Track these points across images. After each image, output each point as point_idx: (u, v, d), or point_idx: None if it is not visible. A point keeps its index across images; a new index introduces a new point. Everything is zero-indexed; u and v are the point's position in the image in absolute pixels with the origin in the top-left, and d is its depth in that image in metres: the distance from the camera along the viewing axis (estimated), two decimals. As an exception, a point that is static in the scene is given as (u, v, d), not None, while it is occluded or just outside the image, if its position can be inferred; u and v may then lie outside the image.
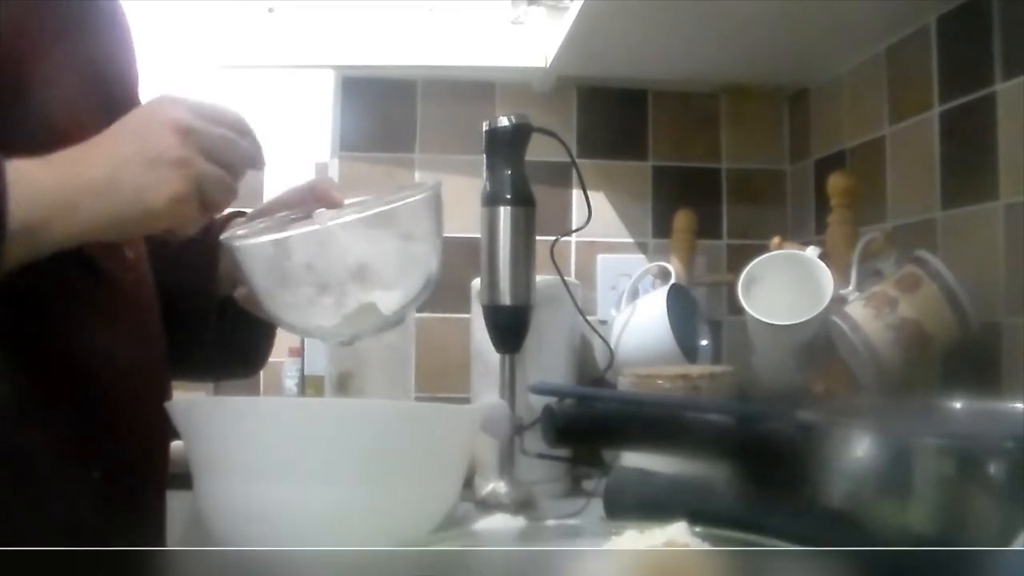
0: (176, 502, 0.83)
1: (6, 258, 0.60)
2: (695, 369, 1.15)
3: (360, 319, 0.73)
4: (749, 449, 0.78)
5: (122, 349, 0.74)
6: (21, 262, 0.62)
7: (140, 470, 0.77)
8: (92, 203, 0.64)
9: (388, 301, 0.75)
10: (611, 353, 1.27)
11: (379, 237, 0.73)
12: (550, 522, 0.78)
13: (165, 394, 0.80)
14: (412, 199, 0.74)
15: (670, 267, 1.40)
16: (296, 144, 1.83)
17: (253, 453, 0.66)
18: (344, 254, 0.72)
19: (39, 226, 0.61)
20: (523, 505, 1.04)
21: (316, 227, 0.73)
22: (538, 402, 1.11)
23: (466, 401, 1.27)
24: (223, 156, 0.69)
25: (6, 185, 0.59)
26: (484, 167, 1.10)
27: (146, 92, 0.81)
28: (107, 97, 0.75)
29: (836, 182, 1.18)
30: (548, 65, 1.47)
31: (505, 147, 1.09)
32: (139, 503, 0.77)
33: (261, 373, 1.72)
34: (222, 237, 0.75)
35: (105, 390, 0.72)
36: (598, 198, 1.54)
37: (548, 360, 1.19)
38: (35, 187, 0.62)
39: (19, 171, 0.61)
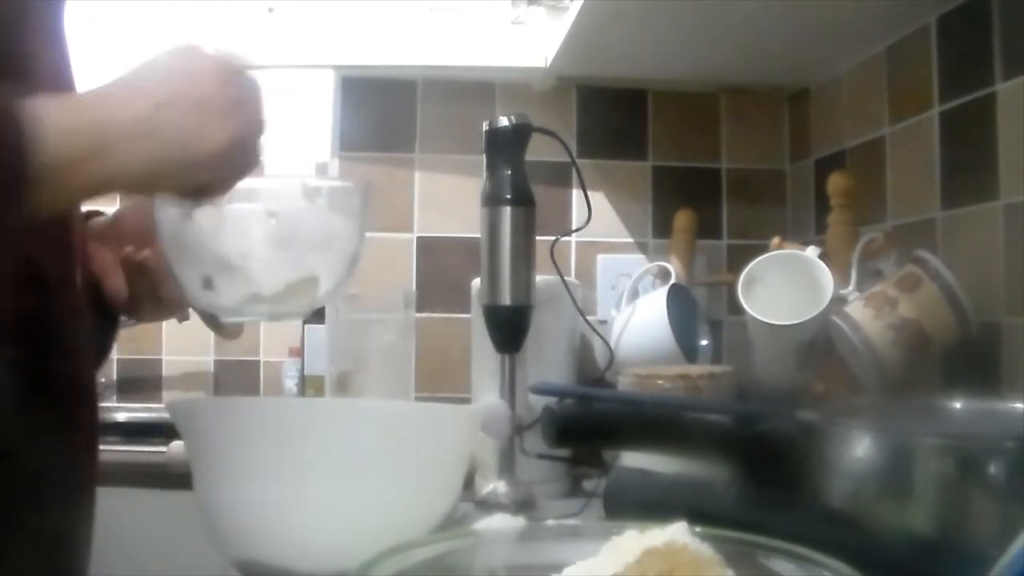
0: (176, 502, 0.83)
1: (34, 201, 0.54)
2: (695, 369, 1.15)
3: (301, 291, 0.69)
4: (749, 449, 0.78)
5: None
6: (51, 210, 0.57)
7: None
8: (127, 147, 0.57)
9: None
10: (611, 353, 1.27)
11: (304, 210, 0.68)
12: (550, 522, 0.78)
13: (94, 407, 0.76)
14: (338, 184, 0.70)
15: (670, 267, 1.40)
16: (296, 144, 1.83)
17: (253, 453, 0.66)
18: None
19: (67, 168, 0.55)
20: (523, 505, 1.04)
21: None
22: (538, 402, 1.12)
23: (466, 401, 1.27)
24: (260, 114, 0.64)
25: (32, 121, 0.54)
26: (484, 167, 1.10)
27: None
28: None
29: (836, 182, 1.18)
30: (548, 65, 1.47)
31: (505, 147, 1.09)
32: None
33: (261, 373, 1.73)
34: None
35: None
36: (598, 198, 1.54)
37: (548, 360, 1.19)
38: (63, 125, 0.56)
39: (46, 108, 0.55)
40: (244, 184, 0.64)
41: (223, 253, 0.67)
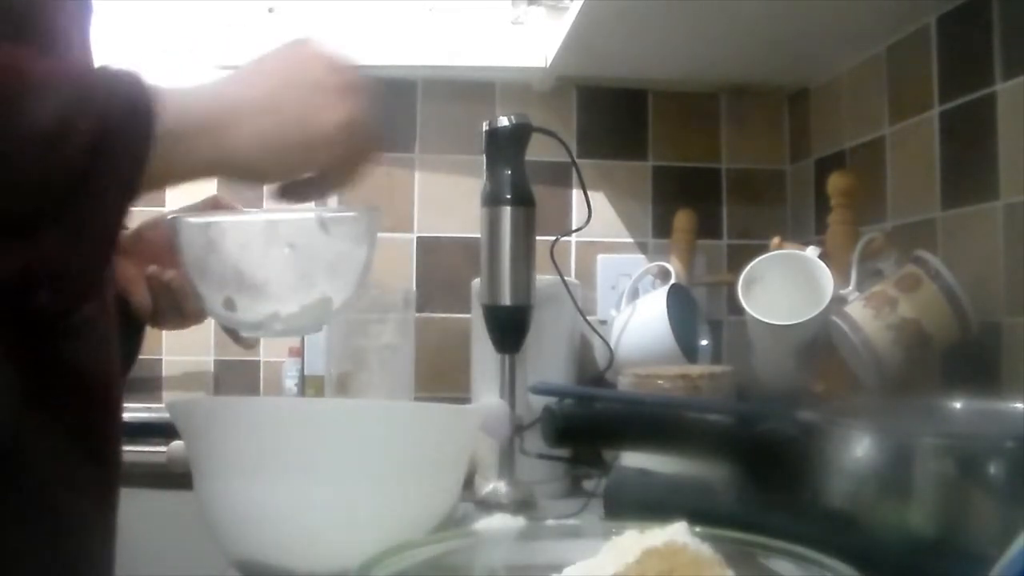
0: (177, 502, 0.83)
1: (151, 167, 0.54)
2: (695, 369, 1.15)
3: (314, 311, 0.72)
4: (750, 449, 0.78)
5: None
6: (155, 186, 0.56)
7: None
8: (249, 121, 0.58)
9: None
10: (611, 353, 1.27)
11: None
12: (550, 522, 0.78)
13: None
14: (348, 213, 0.74)
15: (670, 267, 1.40)
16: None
17: (253, 453, 0.66)
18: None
19: (183, 141, 0.55)
20: (523, 505, 1.04)
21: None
22: (538, 402, 1.12)
23: (466, 401, 1.27)
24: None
25: (155, 88, 0.54)
26: (484, 167, 1.10)
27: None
28: None
29: (836, 182, 1.18)
30: (548, 65, 1.47)
31: (505, 147, 1.09)
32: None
33: (261, 373, 1.72)
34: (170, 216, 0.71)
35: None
36: (598, 198, 1.54)
37: (548, 360, 1.19)
38: (183, 98, 0.56)
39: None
40: (263, 216, 0.69)
41: (245, 279, 0.70)
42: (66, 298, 0.56)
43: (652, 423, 0.81)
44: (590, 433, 0.83)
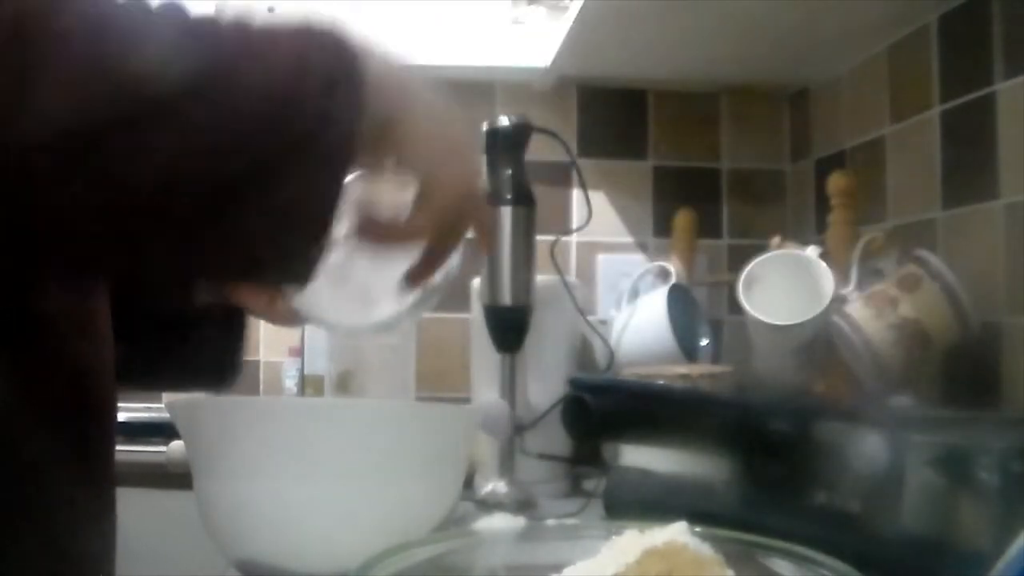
0: (177, 502, 0.83)
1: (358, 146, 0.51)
2: (695, 369, 1.15)
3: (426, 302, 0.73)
4: (778, 442, 0.76)
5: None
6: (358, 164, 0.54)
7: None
8: (425, 119, 0.58)
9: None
10: (611, 353, 1.27)
11: None
12: (550, 522, 0.78)
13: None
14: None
15: (670, 267, 1.40)
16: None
17: (253, 453, 0.66)
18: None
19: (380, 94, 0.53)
20: (523, 505, 1.04)
21: None
22: (538, 402, 1.12)
23: (466, 401, 1.27)
24: None
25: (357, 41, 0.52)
26: (484, 167, 1.10)
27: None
28: None
29: (836, 182, 1.18)
30: (548, 65, 1.47)
31: (505, 147, 1.09)
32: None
33: (261, 373, 1.72)
34: None
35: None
36: (598, 198, 1.54)
37: (548, 360, 1.19)
38: (379, 64, 0.54)
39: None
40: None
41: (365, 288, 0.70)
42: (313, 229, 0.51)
43: (693, 416, 0.80)
44: (622, 425, 0.82)
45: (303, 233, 0.51)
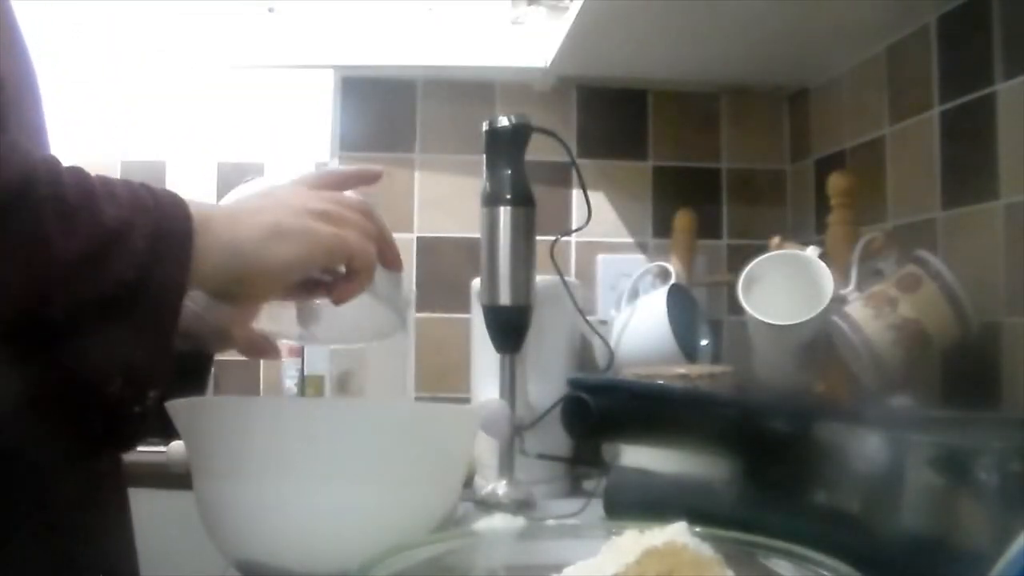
0: (177, 502, 0.83)
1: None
2: (695, 369, 1.15)
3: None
4: (778, 442, 0.76)
5: None
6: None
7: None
8: (248, 216, 0.63)
9: None
10: (611, 353, 1.27)
11: None
12: (550, 522, 0.78)
13: None
14: None
15: (670, 267, 1.40)
16: (296, 144, 1.83)
17: (253, 453, 0.66)
18: None
19: (208, 234, 0.60)
20: (523, 505, 1.04)
21: None
22: (539, 402, 1.12)
23: (466, 401, 1.27)
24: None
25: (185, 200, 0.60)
26: (484, 167, 1.10)
27: (149, 91, 0.80)
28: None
29: (836, 182, 1.18)
30: (548, 65, 1.47)
31: (505, 147, 1.09)
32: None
33: (261, 373, 1.72)
34: None
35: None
36: (598, 198, 1.54)
37: (548, 360, 1.19)
38: (202, 207, 0.61)
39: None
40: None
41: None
42: (138, 387, 0.60)
43: (693, 416, 0.80)
44: (623, 425, 0.82)
45: (143, 365, 0.59)
